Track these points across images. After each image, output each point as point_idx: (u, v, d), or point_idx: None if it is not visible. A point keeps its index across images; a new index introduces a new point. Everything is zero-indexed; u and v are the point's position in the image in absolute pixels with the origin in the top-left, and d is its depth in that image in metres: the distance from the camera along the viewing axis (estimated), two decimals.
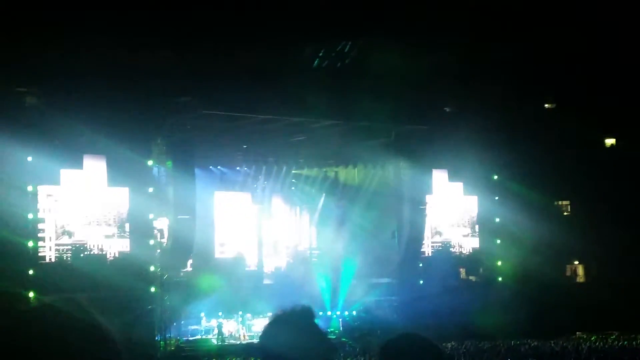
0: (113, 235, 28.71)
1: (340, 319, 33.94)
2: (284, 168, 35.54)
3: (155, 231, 30.05)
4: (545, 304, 34.09)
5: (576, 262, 39.63)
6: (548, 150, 36.23)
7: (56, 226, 27.73)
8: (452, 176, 36.21)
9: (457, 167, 35.67)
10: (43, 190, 27.54)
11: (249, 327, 31.97)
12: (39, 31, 26.47)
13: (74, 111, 26.86)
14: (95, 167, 28.41)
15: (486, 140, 34.77)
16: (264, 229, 35.63)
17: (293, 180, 36.32)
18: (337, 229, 35.99)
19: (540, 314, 33.28)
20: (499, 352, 27.74)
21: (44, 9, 26.45)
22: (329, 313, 33.71)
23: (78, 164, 28.12)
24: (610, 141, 39.56)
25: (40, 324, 2.89)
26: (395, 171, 35.04)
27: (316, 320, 3.77)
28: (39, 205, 27.45)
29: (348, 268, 34.78)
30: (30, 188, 27.17)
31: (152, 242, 29.51)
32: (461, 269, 37.09)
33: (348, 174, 36.94)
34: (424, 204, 35.32)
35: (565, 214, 39.47)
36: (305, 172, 36.54)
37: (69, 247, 27.91)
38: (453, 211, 36.52)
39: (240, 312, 32.03)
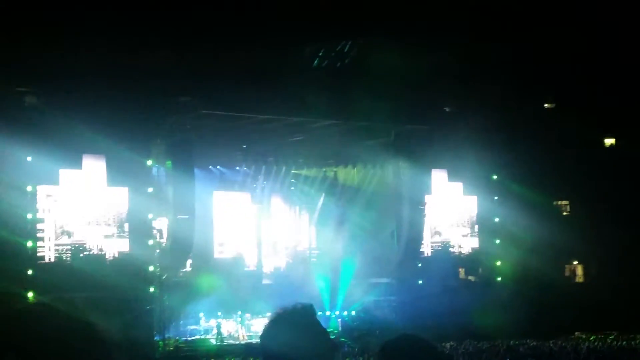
0: (112, 235, 28.70)
1: (339, 319, 33.94)
2: (284, 168, 35.52)
3: (155, 231, 30.05)
4: (544, 304, 34.09)
5: (575, 262, 39.64)
6: (547, 150, 36.24)
7: (55, 226, 27.73)
8: (452, 176, 36.19)
9: (456, 167, 35.66)
10: (42, 190, 27.53)
11: (248, 327, 31.96)
12: (38, 31, 26.47)
13: (73, 111, 26.84)
14: (94, 167, 28.40)
15: (486, 140, 34.78)
16: (263, 229, 35.61)
17: (292, 180, 36.29)
18: (336, 229, 35.96)
19: (539, 314, 33.27)
20: (498, 352, 27.75)
21: (43, 9, 26.45)
22: (327, 313, 33.69)
23: (77, 164, 28.11)
24: (609, 141, 39.57)
25: (34, 322, 2.91)
26: (394, 171, 35.01)
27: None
28: (38, 206, 27.44)
29: (347, 268, 34.77)
30: (29, 188, 27.16)
31: (151, 242, 29.51)
32: (460, 269, 37.08)
33: (347, 174, 36.92)
34: (424, 204, 35.30)
35: (564, 214, 39.47)
36: (304, 172, 36.52)
37: (69, 247, 27.90)
38: (452, 211, 36.51)
39: (239, 312, 32.03)
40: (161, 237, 30.24)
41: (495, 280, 36.42)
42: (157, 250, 29.80)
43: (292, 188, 36.44)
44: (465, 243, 36.77)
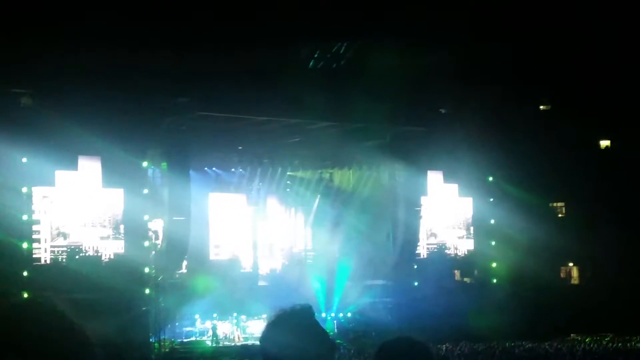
0: (108, 237, 28.67)
1: (335, 321, 33.92)
2: (279, 169, 35.52)
3: (150, 233, 30.01)
4: (539, 306, 34.11)
5: (571, 264, 39.69)
6: (543, 152, 36.27)
7: (51, 228, 27.69)
8: (448, 178, 36.21)
9: (452, 168, 35.68)
10: (38, 191, 27.49)
11: (243, 329, 31.95)
12: (34, 32, 26.44)
13: (69, 112, 26.79)
14: (90, 168, 28.36)
15: (481, 141, 34.81)
16: (259, 231, 35.60)
17: (288, 182, 36.28)
18: (332, 231, 35.97)
19: (534, 315, 33.29)
20: (494, 353, 27.77)
21: (39, 10, 26.42)
22: (323, 315, 33.66)
23: (73, 165, 28.08)
24: (605, 143, 39.62)
25: (23, 319, 2.90)
26: (390, 173, 35.05)
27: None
28: (34, 207, 27.40)
29: (343, 270, 34.77)
30: (24, 189, 27.12)
31: (146, 243, 29.48)
32: (456, 271, 37.11)
33: (343, 175, 36.93)
34: (419, 205, 35.32)
35: (560, 215, 39.52)
36: (300, 174, 36.51)
37: (64, 248, 27.86)
38: (448, 213, 36.52)
39: (235, 314, 32.01)
40: (157, 238, 30.19)
41: (490, 282, 36.44)
42: (153, 252, 29.77)
43: (288, 190, 36.43)
44: (461, 245, 36.79)
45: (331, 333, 33.24)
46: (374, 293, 34.98)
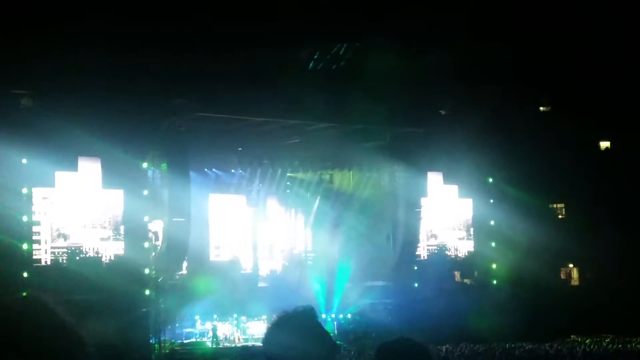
0: (108, 238, 28.67)
1: (335, 322, 33.91)
2: (279, 170, 35.50)
3: (150, 234, 30.00)
4: (540, 307, 34.09)
5: (571, 265, 39.68)
6: (543, 153, 36.26)
7: (52, 229, 27.68)
8: (447, 179, 36.20)
9: (452, 169, 35.67)
10: (39, 193, 27.48)
11: (243, 330, 31.94)
12: (34, 33, 26.43)
13: (69, 113, 26.78)
14: (90, 169, 28.35)
15: (481, 143, 34.81)
16: (259, 232, 35.58)
17: (288, 183, 36.27)
18: (332, 232, 35.96)
19: (535, 317, 33.28)
20: (494, 355, 27.77)
21: (39, 11, 26.41)
22: (323, 316, 33.65)
23: (73, 166, 28.07)
24: (605, 144, 39.62)
25: (13, 321, 2.91)
26: (390, 174, 35.06)
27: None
28: (35, 208, 27.39)
29: (343, 271, 34.76)
30: (25, 190, 27.11)
31: (146, 244, 29.47)
32: (456, 272, 37.11)
33: (343, 176, 36.93)
34: (419, 206, 35.32)
35: (559, 216, 39.51)
36: (300, 175, 36.49)
37: (65, 249, 27.85)
38: (448, 214, 36.51)
39: (235, 315, 32.00)
40: (157, 239, 30.18)
41: (490, 283, 36.43)
42: (153, 253, 29.76)
43: (288, 191, 36.42)
44: (461, 246, 36.78)
45: (331, 334, 33.20)
46: (374, 294, 34.98)
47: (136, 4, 27.23)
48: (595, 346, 29.49)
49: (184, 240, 29.75)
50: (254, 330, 31.72)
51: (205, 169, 34.31)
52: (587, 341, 31.58)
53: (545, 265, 36.18)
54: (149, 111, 28.75)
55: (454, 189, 36.49)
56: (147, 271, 29.22)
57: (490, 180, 36.77)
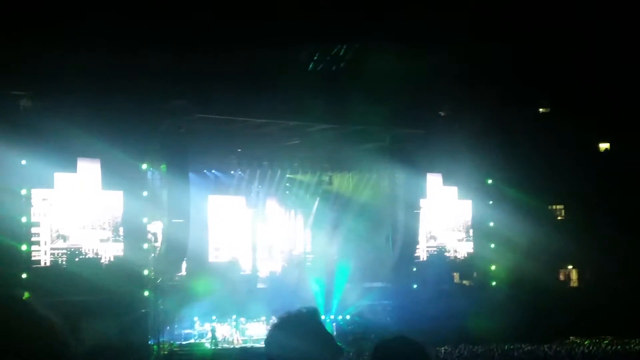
0: (108, 239, 28.66)
1: (334, 323, 33.87)
2: (279, 172, 35.49)
3: (149, 235, 29.99)
4: (538, 309, 34.08)
5: (570, 267, 39.67)
6: (542, 154, 36.25)
7: (51, 230, 27.67)
8: (447, 180, 36.21)
9: (451, 171, 35.67)
10: (38, 194, 27.46)
11: (242, 331, 31.91)
12: (33, 34, 26.41)
13: (68, 114, 26.77)
14: (89, 170, 28.35)
15: (480, 144, 34.81)
16: (258, 233, 35.56)
17: (287, 184, 36.24)
18: (331, 233, 35.94)
19: (533, 318, 33.26)
20: (493, 356, 27.80)
21: (38, 11, 26.39)
22: (322, 317, 33.60)
23: (72, 168, 28.05)
24: (604, 145, 39.62)
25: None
26: (389, 175, 35.05)
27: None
28: (34, 210, 27.37)
29: (342, 272, 34.73)
30: (24, 191, 27.09)
31: (146, 246, 29.46)
32: (455, 274, 37.10)
33: (342, 177, 36.90)
34: (418, 208, 35.30)
35: (559, 218, 39.51)
36: (299, 177, 36.46)
37: (64, 251, 27.84)
38: (447, 215, 36.51)
39: (234, 316, 31.96)
40: (156, 241, 30.17)
41: (490, 285, 36.42)
42: (152, 254, 29.75)
43: (287, 192, 36.40)
44: (461, 247, 36.78)
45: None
46: (373, 295, 34.96)
47: (135, 4, 27.20)
48: (594, 347, 29.50)
49: (183, 242, 29.73)
50: (253, 332, 31.69)
51: (205, 170, 34.29)
52: (586, 342, 31.59)
53: (544, 266, 36.17)
54: (149, 112, 28.75)
55: (453, 190, 36.49)
56: (146, 272, 29.21)
57: (490, 181, 36.77)
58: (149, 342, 29.25)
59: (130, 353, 27.37)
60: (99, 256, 28.45)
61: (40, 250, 27.42)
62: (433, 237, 36.23)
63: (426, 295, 33.77)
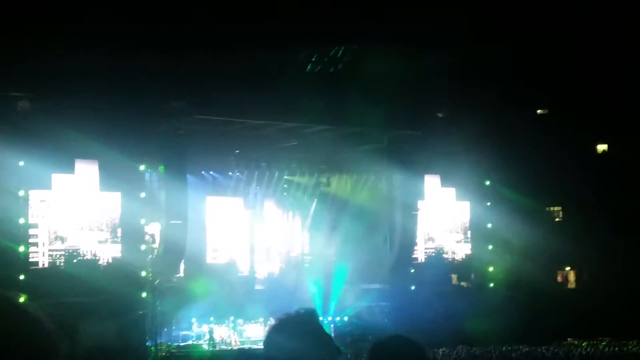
0: (106, 241, 28.65)
1: (332, 325, 33.87)
2: (277, 173, 35.46)
3: (147, 236, 29.98)
4: (536, 310, 34.08)
5: (568, 268, 39.67)
6: (540, 156, 36.25)
7: (49, 231, 27.65)
8: (445, 181, 36.21)
9: (449, 172, 35.67)
10: (36, 195, 27.46)
11: (240, 333, 31.90)
12: (30, 35, 26.39)
13: (65, 116, 26.76)
14: (87, 171, 28.34)
15: (478, 145, 34.83)
16: (256, 234, 35.53)
17: (285, 186, 36.22)
18: (329, 234, 35.92)
19: (531, 320, 33.27)
20: (491, 357, 27.83)
21: (35, 12, 26.36)
22: (320, 318, 33.59)
23: (70, 169, 28.04)
24: (602, 147, 39.63)
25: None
26: (387, 176, 35.05)
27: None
28: (32, 211, 27.36)
29: (340, 273, 34.72)
30: (21, 193, 27.08)
31: (143, 247, 29.45)
32: (452, 275, 37.11)
33: (340, 179, 36.88)
34: (416, 209, 35.30)
35: (557, 219, 39.51)
36: (297, 178, 36.43)
37: (62, 252, 27.82)
38: (445, 217, 36.52)
39: (231, 318, 31.96)
40: (153, 242, 30.17)
41: (487, 286, 36.42)
42: (150, 256, 29.74)
43: (285, 193, 36.38)
44: (459, 249, 36.79)
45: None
46: (371, 297, 34.96)
47: (133, 4, 27.18)
48: (592, 349, 29.52)
49: (181, 243, 29.71)
50: (251, 333, 31.70)
51: (203, 172, 34.27)
52: (583, 344, 31.61)
53: (542, 268, 36.17)
54: (147, 114, 28.73)
55: (451, 191, 36.49)
56: (143, 274, 29.20)
57: (488, 183, 36.78)
58: (147, 344, 29.24)
59: (128, 354, 27.37)
60: (97, 257, 28.44)
61: (38, 252, 27.41)
62: (431, 239, 36.24)
63: (424, 296, 33.76)
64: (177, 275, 31.86)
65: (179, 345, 30.84)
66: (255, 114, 30.63)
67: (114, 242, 28.80)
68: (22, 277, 26.67)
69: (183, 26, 27.98)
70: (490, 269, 36.56)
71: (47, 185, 27.60)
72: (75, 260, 27.97)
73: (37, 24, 26.23)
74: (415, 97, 33.03)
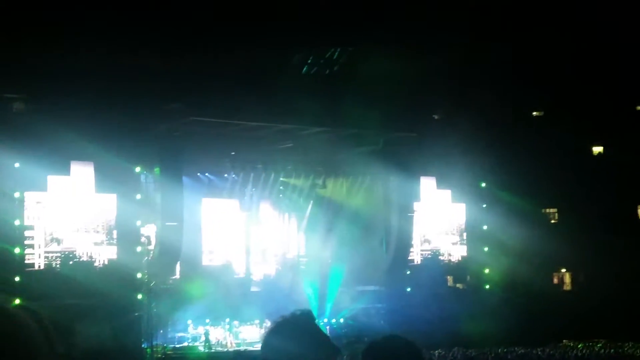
0: (102, 243, 28.63)
1: (328, 326, 33.86)
2: (272, 175, 35.45)
3: (143, 238, 29.95)
4: (532, 312, 34.12)
5: (563, 270, 39.71)
6: (536, 158, 36.30)
7: (45, 233, 27.61)
8: (440, 183, 36.22)
9: (445, 174, 35.68)
10: (32, 197, 27.42)
11: (236, 335, 31.89)
12: (26, 37, 26.37)
13: (61, 117, 26.74)
14: (82, 173, 28.30)
15: (474, 147, 34.83)
16: (252, 236, 35.52)
17: (281, 188, 36.21)
18: (325, 236, 35.91)
19: (527, 321, 33.29)
20: (487, 359, 27.79)
21: (31, 14, 26.34)
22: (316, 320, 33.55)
23: (65, 170, 28.01)
24: (597, 149, 39.70)
25: None
26: (383, 178, 35.04)
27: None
28: (28, 213, 27.33)
29: (336, 275, 34.72)
30: (17, 194, 27.05)
31: (139, 249, 29.43)
32: (448, 277, 37.11)
33: (336, 181, 36.88)
34: (412, 211, 35.31)
35: (552, 221, 39.55)
36: (292, 180, 36.42)
37: (58, 254, 27.79)
38: (441, 219, 36.52)
39: (227, 320, 31.94)
40: (149, 244, 30.14)
41: (483, 288, 36.44)
42: (146, 258, 29.71)
43: (281, 195, 36.37)
44: (455, 251, 36.79)
45: None
46: (367, 299, 34.95)
47: (133, 4, 27.16)
48: (588, 351, 29.53)
49: (177, 245, 29.69)
50: (247, 335, 31.69)
51: (198, 174, 34.24)
52: (579, 346, 31.62)
53: (537, 270, 36.22)
54: (143, 115, 28.71)
55: (447, 193, 36.51)
56: (139, 275, 29.17)
57: (483, 184, 36.80)
58: (143, 346, 29.21)
59: (124, 356, 27.33)
60: (93, 259, 28.41)
61: (34, 254, 27.36)
62: (427, 241, 36.25)
63: (420, 298, 33.76)
64: (173, 277, 31.83)
65: (174, 347, 30.81)
66: (251, 116, 30.61)
67: (109, 243, 28.77)
68: (17, 279, 26.63)
69: (180, 27, 27.96)
70: (486, 270, 36.58)
71: (42, 187, 27.56)
72: (71, 262, 27.94)
73: (34, 24, 26.20)
74: (411, 99, 33.05)
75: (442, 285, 36.30)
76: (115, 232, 28.86)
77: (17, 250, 26.95)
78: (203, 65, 28.94)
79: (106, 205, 28.78)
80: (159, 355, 29.71)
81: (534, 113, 38.77)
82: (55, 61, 26.47)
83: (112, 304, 27.57)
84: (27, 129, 26.77)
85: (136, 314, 28.88)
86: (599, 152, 39.69)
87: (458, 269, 36.97)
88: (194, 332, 31.54)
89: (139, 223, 29.52)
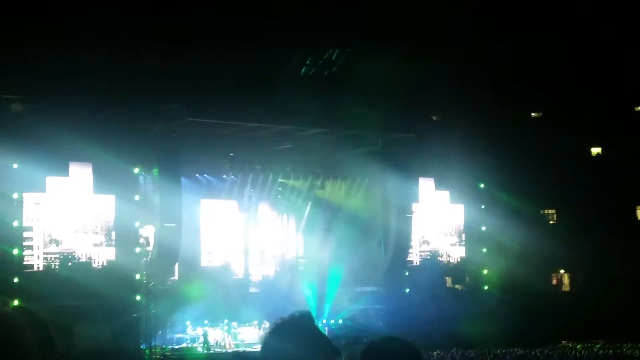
0: (100, 244, 28.62)
1: (327, 327, 33.85)
2: (271, 176, 35.44)
3: (142, 239, 29.94)
4: (531, 313, 34.12)
5: (562, 271, 39.73)
6: (534, 159, 36.32)
7: (44, 234, 27.61)
8: (439, 184, 36.23)
9: (443, 175, 35.71)
10: (31, 198, 27.42)
11: (235, 336, 31.88)
12: (24, 38, 26.37)
13: (60, 118, 26.73)
14: (81, 174, 28.29)
15: (472, 148, 34.84)
16: (250, 237, 35.50)
17: (279, 189, 36.20)
18: (323, 237, 35.90)
19: (526, 322, 33.31)
20: None
21: (29, 15, 26.33)
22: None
23: (64, 171, 28.00)
24: (596, 150, 39.72)
25: None
26: (381, 179, 35.04)
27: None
28: (26, 214, 27.31)
29: (334, 276, 34.72)
30: (15, 195, 27.04)
31: (138, 250, 29.42)
32: (447, 278, 37.13)
33: (334, 182, 36.87)
34: (411, 212, 35.31)
35: (551, 222, 39.57)
36: (291, 181, 36.41)
37: (57, 255, 27.78)
38: (440, 220, 36.54)
39: (226, 321, 31.93)
40: (148, 245, 30.13)
41: (482, 289, 36.45)
42: (144, 259, 29.70)
43: (279, 196, 36.35)
44: (453, 252, 36.80)
45: None
46: (366, 300, 34.96)
47: (133, 4, 27.15)
48: (586, 352, 29.52)
49: (175, 246, 29.67)
50: (246, 336, 31.68)
51: (197, 175, 34.23)
52: (578, 347, 31.61)
53: (536, 270, 36.21)
54: (141, 116, 28.71)
55: (445, 194, 36.52)
56: (138, 276, 29.17)
57: (482, 186, 36.82)
58: (141, 347, 29.20)
59: (123, 357, 27.33)
60: (92, 260, 28.40)
61: (33, 255, 27.35)
62: (426, 242, 36.25)
63: (418, 299, 33.77)
64: (172, 278, 31.82)
65: (173, 348, 30.80)
66: (250, 117, 30.62)
67: (108, 245, 28.76)
68: (16, 280, 26.62)
69: (179, 28, 27.96)
70: (485, 271, 36.59)
71: (41, 188, 27.56)
72: (70, 263, 27.94)
73: (36, 24, 26.19)
74: (410, 100, 33.07)
75: (441, 286, 36.30)
76: (113, 233, 28.85)
77: (15, 252, 26.95)
78: (202, 65, 28.96)
79: (105, 207, 28.78)
80: (158, 356, 29.70)
81: (533, 114, 38.79)
82: (54, 62, 26.48)
83: (110, 305, 27.56)
84: (25, 130, 26.77)
85: (135, 315, 28.88)
86: (598, 153, 39.72)
87: (457, 270, 36.98)
88: (192, 333, 31.53)
89: (137, 224, 29.51)
